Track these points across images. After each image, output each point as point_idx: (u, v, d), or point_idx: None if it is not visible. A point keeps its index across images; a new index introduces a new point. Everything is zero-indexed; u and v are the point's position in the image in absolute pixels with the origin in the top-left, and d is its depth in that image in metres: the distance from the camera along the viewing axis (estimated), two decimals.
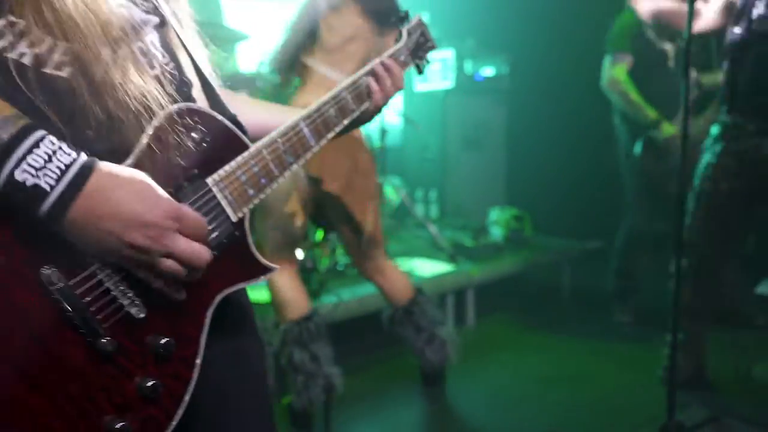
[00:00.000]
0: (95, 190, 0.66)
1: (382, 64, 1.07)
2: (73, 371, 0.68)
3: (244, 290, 0.93)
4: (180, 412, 0.76)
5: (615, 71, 3.08)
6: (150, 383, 0.72)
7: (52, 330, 0.67)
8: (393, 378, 2.68)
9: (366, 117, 1.08)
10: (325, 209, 2.24)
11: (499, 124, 5.22)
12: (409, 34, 1.17)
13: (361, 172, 2.15)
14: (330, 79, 2.06)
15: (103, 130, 0.74)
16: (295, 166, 0.90)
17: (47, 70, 0.71)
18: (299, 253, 2.27)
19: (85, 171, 0.66)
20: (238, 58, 3.81)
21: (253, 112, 1.00)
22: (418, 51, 1.19)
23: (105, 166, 0.69)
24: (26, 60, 0.70)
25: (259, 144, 0.86)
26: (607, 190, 4.77)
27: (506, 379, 2.71)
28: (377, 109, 1.07)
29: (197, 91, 0.89)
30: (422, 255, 3.49)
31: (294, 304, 2.14)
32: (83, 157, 0.67)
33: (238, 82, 3.10)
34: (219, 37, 3.11)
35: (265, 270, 0.86)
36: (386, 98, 1.07)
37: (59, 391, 0.67)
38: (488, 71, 5.15)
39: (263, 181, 0.85)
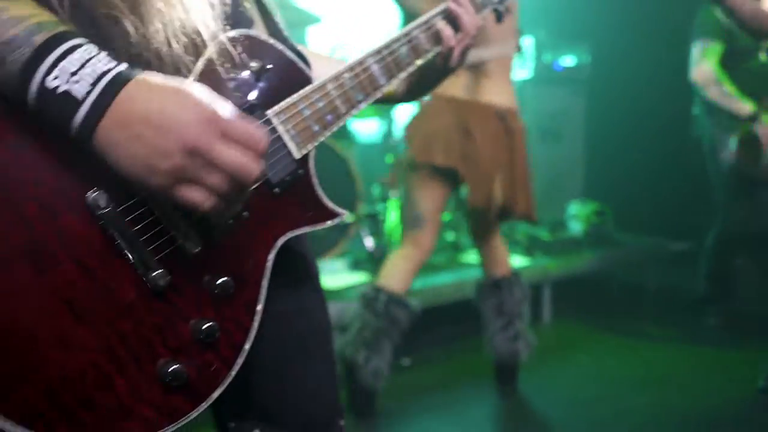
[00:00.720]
0: (131, 97, 0.58)
1: (455, 1, 0.97)
2: (123, 306, 0.62)
3: (308, 244, 0.88)
4: (240, 361, 0.70)
5: (705, 60, 2.83)
6: (206, 325, 0.65)
7: (100, 259, 0.61)
8: (465, 372, 2.58)
9: (440, 66, 0.98)
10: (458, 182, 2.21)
11: (578, 115, 4.99)
12: None
13: (477, 141, 2.06)
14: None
15: (154, 58, 0.67)
16: (363, 105, 0.83)
17: None
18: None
19: (122, 78, 0.59)
20: (309, 42, 3.81)
21: (321, 65, 0.93)
22: None
23: (146, 75, 0.61)
24: None
25: (324, 78, 0.79)
26: (694, 187, 4.50)
27: (585, 379, 2.55)
28: (449, 54, 0.97)
29: (260, 29, 0.82)
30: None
31: (397, 279, 2.12)
32: (123, 65, 0.60)
33: None
34: (288, 19, 3.10)
35: (332, 215, 0.80)
36: (458, 43, 0.97)
37: (109, 328, 0.61)
38: (568, 60, 4.94)
39: (329, 117, 0.79)
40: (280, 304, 0.80)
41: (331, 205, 0.80)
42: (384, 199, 3.19)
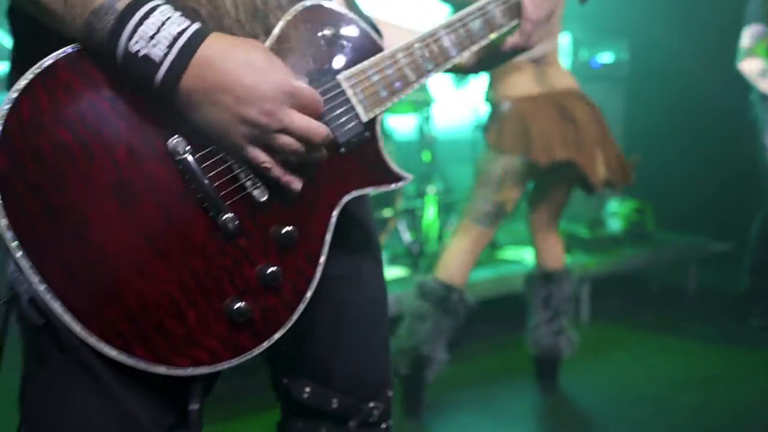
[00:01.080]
0: (206, 60, 0.63)
1: None
2: (196, 245, 0.68)
3: (370, 214, 0.92)
4: (301, 307, 0.74)
5: (755, 47, 2.76)
6: (271, 270, 0.71)
7: (177, 201, 0.67)
8: (505, 368, 2.57)
9: (518, 42, 0.96)
10: (545, 176, 2.20)
11: (617, 112, 4.91)
12: None
13: (580, 124, 2.05)
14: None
15: (232, 23, 0.72)
16: (433, 74, 0.85)
17: None
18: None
19: (196, 40, 0.63)
20: None
21: (394, 34, 0.95)
22: None
23: (219, 35, 0.66)
24: None
25: (394, 47, 0.82)
26: (737, 185, 4.42)
27: (626, 378, 2.52)
28: (531, 29, 0.95)
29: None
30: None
31: (456, 269, 2.13)
32: (196, 25, 0.64)
33: None
34: None
35: (397, 178, 0.83)
36: (540, 14, 0.94)
37: (183, 264, 0.67)
38: (606, 57, 4.88)
39: (397, 84, 0.81)
40: (339, 268, 0.83)
41: (396, 168, 0.83)
42: (421, 195, 3.19)
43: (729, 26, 3.08)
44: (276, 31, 0.74)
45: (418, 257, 2.89)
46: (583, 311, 3.19)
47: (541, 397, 2.36)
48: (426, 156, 3.32)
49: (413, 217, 3.03)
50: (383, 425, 0.93)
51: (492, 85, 2.15)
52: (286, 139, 0.67)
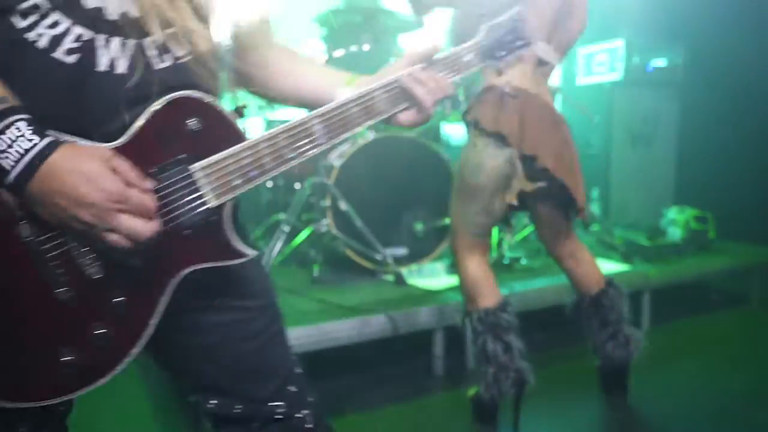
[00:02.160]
0: (50, 172, 0.77)
1: (416, 73, 1.00)
2: (41, 308, 0.84)
3: (251, 263, 0.97)
4: (125, 360, 0.88)
5: None
6: (100, 332, 0.86)
7: (25, 273, 0.82)
8: (568, 380, 2.56)
9: (414, 121, 1.04)
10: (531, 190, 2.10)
11: (671, 118, 4.86)
12: (490, 31, 1.08)
13: (568, 145, 2.02)
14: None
15: (98, 115, 0.84)
16: (293, 163, 0.91)
17: (56, 55, 0.81)
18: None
19: (43, 155, 0.77)
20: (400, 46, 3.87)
21: (305, 75, 1.08)
22: (496, 50, 1.09)
23: (66, 149, 0.79)
24: (42, 42, 0.81)
25: (259, 137, 0.89)
26: None
27: (697, 390, 2.48)
28: (424, 112, 1.02)
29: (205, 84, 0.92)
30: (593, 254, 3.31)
31: (487, 291, 2.07)
32: (45, 141, 0.77)
33: None
34: (389, 25, 3.16)
35: (238, 255, 0.91)
36: (431, 101, 1.01)
37: (31, 320, 0.84)
38: (660, 62, 4.80)
39: (253, 173, 0.89)
40: (212, 316, 0.99)
41: (239, 246, 0.91)
42: None
43: None
44: (140, 122, 0.84)
45: None
46: (644, 321, 3.15)
47: (609, 412, 2.34)
48: None
49: None
50: (298, 414, 1.06)
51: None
52: (114, 237, 0.80)
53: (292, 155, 0.91)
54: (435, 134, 3.57)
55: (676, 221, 3.52)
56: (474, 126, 1.98)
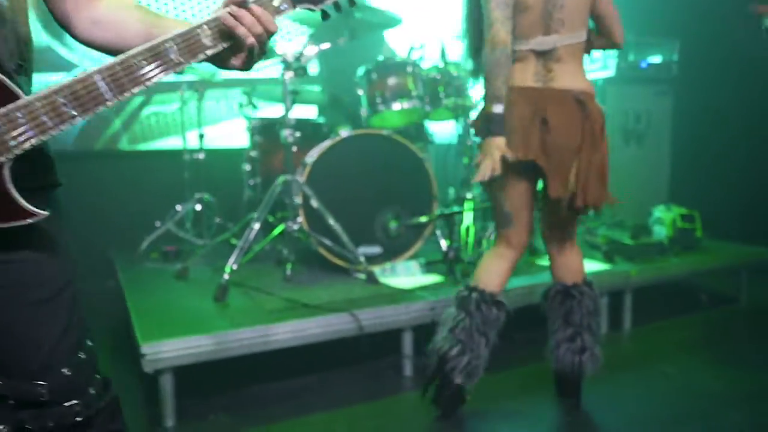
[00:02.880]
0: None
1: (234, 10, 0.98)
2: None
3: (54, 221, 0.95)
4: None
5: None
6: None
7: None
8: (532, 383, 2.50)
9: (240, 61, 1.02)
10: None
11: (664, 115, 4.78)
12: None
13: (552, 129, 1.95)
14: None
15: None
16: (79, 119, 0.89)
17: None
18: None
19: None
20: (388, 43, 3.84)
21: (131, 19, 1.03)
22: None
23: None
24: None
25: (33, 96, 0.87)
26: None
27: (670, 393, 2.42)
28: (246, 51, 1.00)
29: None
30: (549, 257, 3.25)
31: (492, 278, 2.10)
32: None
33: (389, 68, 3.09)
34: (368, 20, 3.13)
35: (28, 214, 0.89)
36: (254, 38, 0.98)
37: None
38: (654, 58, 4.73)
39: (29, 132, 0.87)
40: None
41: (26, 205, 0.89)
42: (460, 200, 3.16)
43: None
44: None
45: (454, 264, 2.86)
46: (625, 321, 3.10)
47: (581, 412, 2.29)
48: (465, 161, 3.29)
49: (451, 223, 3.00)
50: (67, 403, 0.98)
51: None
52: None
53: (73, 112, 0.89)
54: (419, 132, 3.53)
55: (662, 220, 3.45)
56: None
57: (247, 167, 3.38)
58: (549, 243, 2.21)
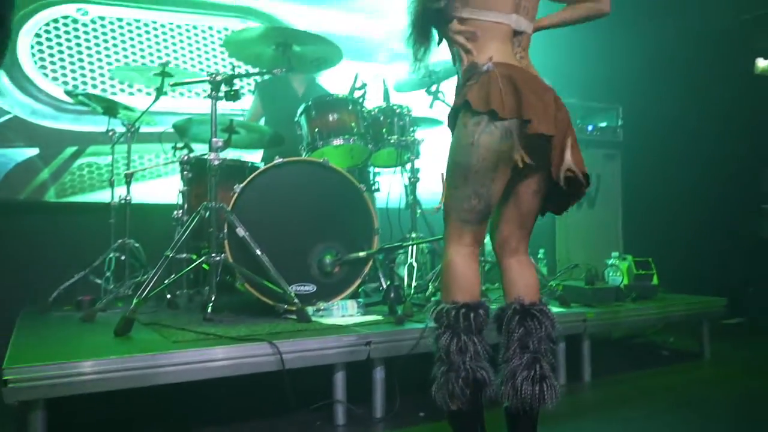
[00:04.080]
0: None
1: None
2: None
3: None
4: None
5: None
6: None
7: None
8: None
9: None
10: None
11: (614, 178, 4.80)
12: None
13: (562, 111, 1.78)
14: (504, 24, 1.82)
15: None
16: None
17: None
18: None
19: None
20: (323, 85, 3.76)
21: None
22: None
23: None
24: None
25: None
26: (737, 248, 4.24)
27: None
28: None
29: None
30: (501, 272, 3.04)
31: (466, 286, 1.82)
32: None
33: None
34: (306, 55, 3.04)
35: None
36: None
37: None
38: (600, 123, 4.81)
39: None
40: None
41: None
42: (402, 238, 2.96)
43: (718, 88, 3.00)
44: None
45: (395, 304, 2.60)
46: (585, 372, 2.84)
47: None
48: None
49: (392, 259, 2.76)
50: None
51: (469, 51, 1.84)
52: None
53: None
54: (363, 177, 3.38)
55: (617, 267, 3.29)
56: (464, 109, 1.80)
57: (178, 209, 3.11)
58: (502, 254, 1.95)
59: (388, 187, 3.43)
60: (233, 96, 2.61)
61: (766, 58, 4.90)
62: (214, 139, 2.56)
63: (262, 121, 3.78)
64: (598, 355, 2.88)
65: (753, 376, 2.95)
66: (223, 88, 2.61)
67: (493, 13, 1.85)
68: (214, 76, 2.55)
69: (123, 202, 3.26)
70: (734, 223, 4.57)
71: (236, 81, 2.63)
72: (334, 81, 3.83)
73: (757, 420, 2.27)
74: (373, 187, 3.51)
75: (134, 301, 2.25)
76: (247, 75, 2.90)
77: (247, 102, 3.80)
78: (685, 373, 3.03)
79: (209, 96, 2.57)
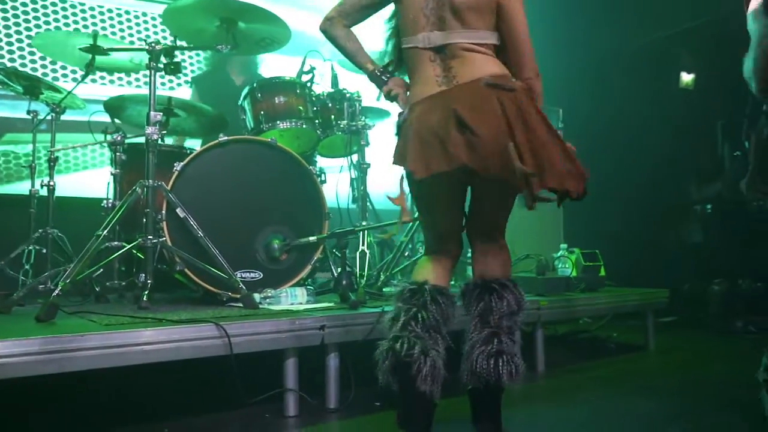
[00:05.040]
0: None
1: None
2: None
3: None
4: None
5: None
6: None
7: None
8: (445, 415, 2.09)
9: None
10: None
11: None
12: None
13: (474, 128, 1.64)
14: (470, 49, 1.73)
15: None
16: None
17: None
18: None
19: None
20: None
21: None
22: None
23: None
24: None
25: None
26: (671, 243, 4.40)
27: (597, 417, 2.10)
28: None
29: None
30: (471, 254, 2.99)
31: (438, 275, 1.78)
32: None
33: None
34: (252, 35, 2.87)
35: None
36: None
37: None
38: None
39: None
40: None
41: None
42: (353, 224, 2.84)
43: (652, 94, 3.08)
44: None
45: (347, 291, 2.47)
46: (539, 363, 2.80)
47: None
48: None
49: (344, 244, 2.63)
50: None
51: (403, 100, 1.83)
52: None
53: None
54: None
55: (566, 259, 3.29)
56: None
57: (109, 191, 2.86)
58: (473, 240, 1.88)
59: (336, 183, 3.31)
60: (174, 69, 2.43)
61: (688, 73, 5.19)
62: (152, 113, 2.36)
63: None
64: (547, 349, 2.86)
65: (695, 364, 3.02)
66: (163, 59, 2.43)
67: (408, 38, 1.79)
68: (153, 45, 2.37)
69: (46, 188, 2.98)
70: (670, 223, 4.75)
71: (177, 54, 2.45)
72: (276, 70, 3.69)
73: (700, 401, 2.28)
74: (319, 179, 3.38)
75: (59, 284, 2.02)
76: (189, 48, 2.71)
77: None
78: (633, 363, 3.06)
79: (147, 66, 2.38)
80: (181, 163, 2.40)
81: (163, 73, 2.45)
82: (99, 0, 4.01)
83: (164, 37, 3.91)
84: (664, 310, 3.54)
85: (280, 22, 2.79)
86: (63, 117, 3.04)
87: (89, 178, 3.79)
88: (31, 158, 3.09)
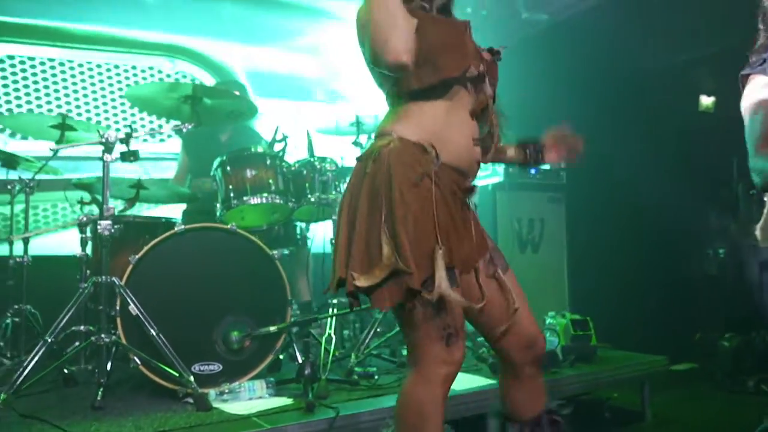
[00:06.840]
0: None
1: None
2: None
3: None
4: None
5: None
6: None
7: None
8: None
9: None
10: None
11: (559, 222, 4.66)
12: None
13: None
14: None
15: None
16: None
17: None
18: None
19: None
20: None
21: None
22: None
23: None
24: None
25: None
26: (680, 300, 4.16)
27: None
28: None
29: None
30: None
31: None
32: None
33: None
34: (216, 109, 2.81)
35: None
36: None
37: None
38: (543, 165, 4.71)
39: None
40: None
41: None
42: (320, 307, 2.74)
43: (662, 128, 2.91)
44: None
45: (309, 383, 2.37)
46: None
47: None
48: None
49: (307, 333, 2.55)
50: None
51: None
52: None
53: None
54: (288, 232, 3.18)
55: (554, 328, 3.14)
56: None
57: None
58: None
59: (323, 233, 3.24)
60: (131, 157, 2.38)
61: (708, 96, 4.93)
62: (105, 206, 2.31)
63: None
64: None
65: None
66: (120, 147, 2.38)
67: None
68: (106, 136, 2.32)
69: (21, 263, 2.99)
70: (680, 267, 4.52)
71: (133, 140, 2.40)
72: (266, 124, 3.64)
73: None
74: (299, 243, 3.30)
75: (1, 396, 1.98)
76: (146, 135, 2.65)
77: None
78: None
79: (101, 159, 2.33)
80: (137, 257, 2.34)
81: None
82: (87, 56, 4.02)
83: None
84: (679, 358, 3.34)
85: (243, 99, 2.72)
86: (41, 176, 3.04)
87: (64, 236, 3.78)
88: (9, 227, 3.11)
